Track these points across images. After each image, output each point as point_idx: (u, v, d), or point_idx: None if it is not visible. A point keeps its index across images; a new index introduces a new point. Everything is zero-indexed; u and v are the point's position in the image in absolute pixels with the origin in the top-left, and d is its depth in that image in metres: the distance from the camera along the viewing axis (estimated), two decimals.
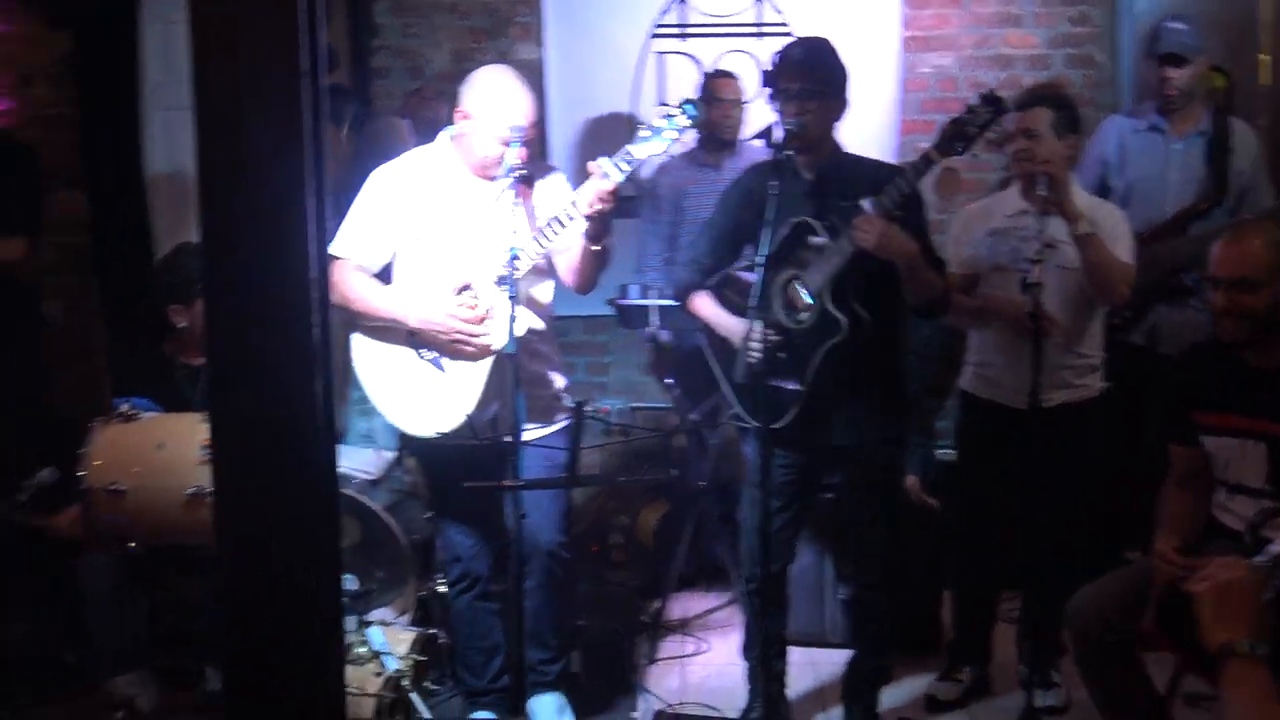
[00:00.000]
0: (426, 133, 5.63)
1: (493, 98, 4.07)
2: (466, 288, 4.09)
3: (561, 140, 6.56)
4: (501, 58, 6.48)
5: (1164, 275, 5.24)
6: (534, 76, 6.55)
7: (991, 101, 3.87)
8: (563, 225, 3.98)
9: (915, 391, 6.15)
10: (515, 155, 3.95)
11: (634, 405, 6.72)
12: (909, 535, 4.79)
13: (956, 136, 3.88)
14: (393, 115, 6.15)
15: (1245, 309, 3.69)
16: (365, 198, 4.23)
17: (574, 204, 3.96)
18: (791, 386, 4.08)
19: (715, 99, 5.81)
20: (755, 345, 4.01)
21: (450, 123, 4.17)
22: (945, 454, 5.92)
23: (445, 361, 4.14)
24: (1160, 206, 5.40)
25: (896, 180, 3.93)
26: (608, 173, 3.89)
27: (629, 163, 3.92)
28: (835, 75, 4.18)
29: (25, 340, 5.36)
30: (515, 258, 3.82)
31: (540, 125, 6.46)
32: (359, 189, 4.26)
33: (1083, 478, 4.67)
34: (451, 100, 4.17)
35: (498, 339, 4.02)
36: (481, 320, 4.05)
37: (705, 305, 4.41)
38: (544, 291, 4.31)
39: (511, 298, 3.80)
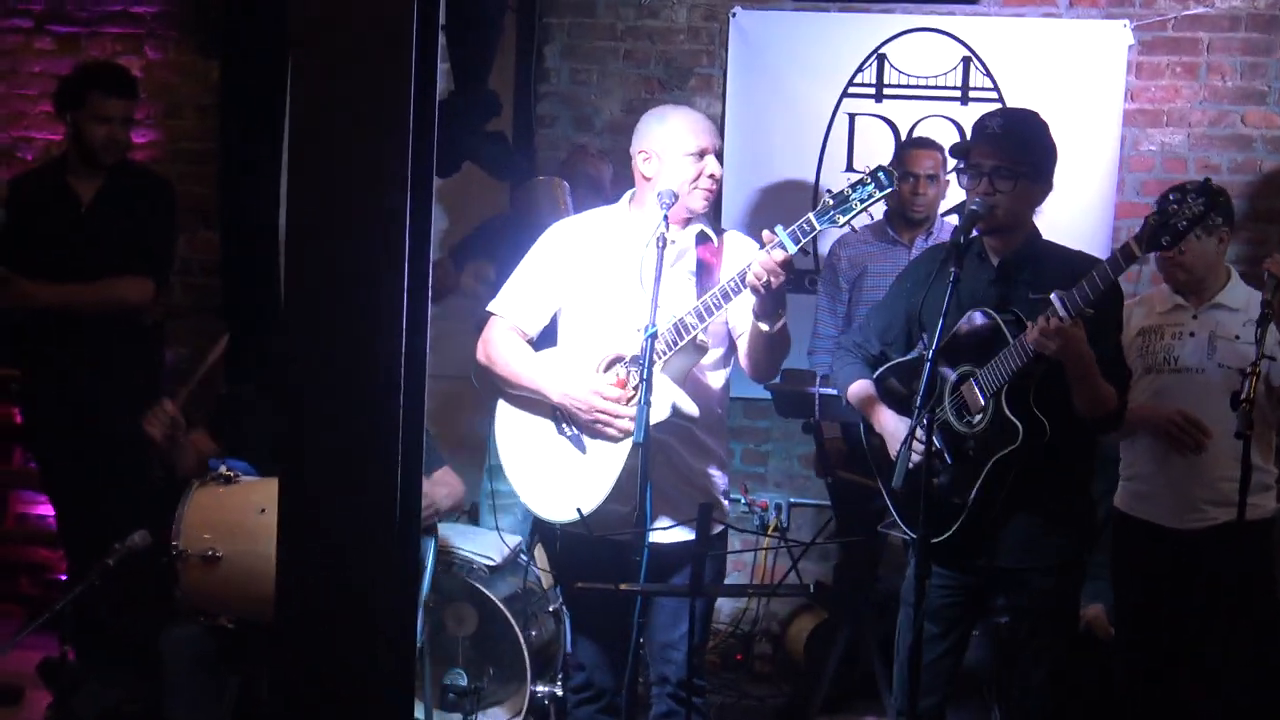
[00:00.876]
0: (586, 194, 5.64)
1: (681, 130, 4.00)
2: (618, 361, 3.98)
3: (736, 206, 6.41)
4: None
5: None
6: None
7: (1204, 192, 3.69)
8: (726, 299, 3.81)
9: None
10: (663, 193, 3.89)
11: (794, 501, 6.54)
12: (1081, 672, 4.59)
13: (1162, 229, 3.70)
14: (553, 174, 6.15)
15: None
16: (533, 255, 4.19)
17: (740, 277, 3.78)
18: (955, 500, 3.93)
19: (908, 172, 5.57)
20: (918, 447, 3.86)
21: (613, 185, 4.14)
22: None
23: (587, 441, 4.01)
24: None
25: (1091, 275, 3.76)
26: (782, 243, 3.69)
27: (806, 234, 3.71)
28: (1036, 153, 4.01)
29: (144, 385, 5.45)
30: (654, 335, 3.71)
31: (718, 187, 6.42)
32: (513, 246, 4.26)
33: (1243, 606, 4.44)
34: (617, 160, 4.13)
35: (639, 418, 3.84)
36: (629, 400, 3.92)
37: (869, 399, 4.25)
38: (715, 376, 4.13)
39: (645, 380, 3.67)
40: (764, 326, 3.86)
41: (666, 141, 3.98)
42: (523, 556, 5.23)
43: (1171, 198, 3.69)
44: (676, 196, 3.91)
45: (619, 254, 4.07)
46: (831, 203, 3.72)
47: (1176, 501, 4.22)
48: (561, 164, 6.21)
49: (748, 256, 3.92)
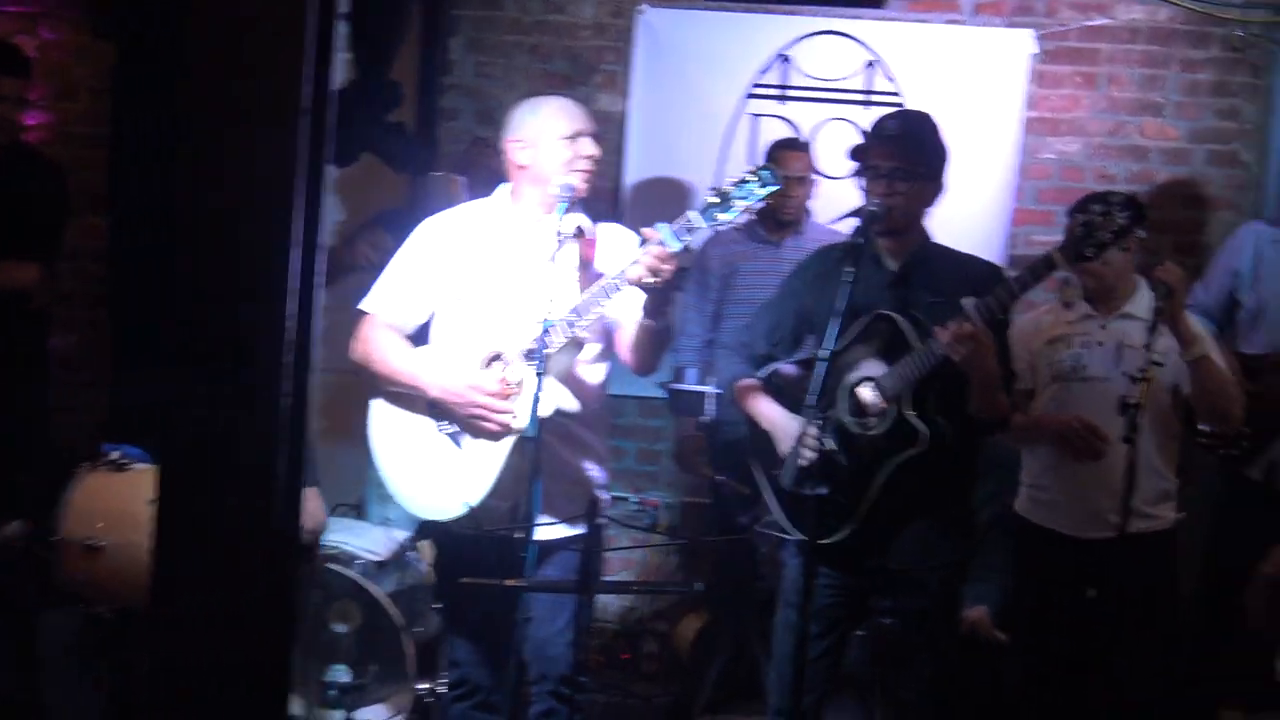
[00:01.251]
0: (486, 189, 5.62)
1: (555, 115, 4.03)
2: (497, 358, 3.97)
3: (637, 204, 6.42)
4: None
5: None
6: (615, 131, 6.48)
7: (1130, 206, 3.76)
8: (608, 296, 3.82)
9: (1000, 510, 6.01)
10: (564, 185, 3.90)
11: (686, 499, 6.55)
12: (970, 674, 4.63)
13: (1085, 241, 3.75)
14: (453, 167, 6.11)
15: None
16: (406, 251, 4.18)
17: (624, 273, 3.78)
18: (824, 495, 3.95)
19: (784, 175, 5.65)
20: (810, 449, 3.89)
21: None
22: None
23: (465, 438, 4.01)
24: None
25: (1008, 283, 3.81)
26: (665, 241, 3.69)
27: (689, 230, 3.71)
28: (932, 154, 4.06)
29: (30, 372, 5.37)
30: (548, 330, 3.72)
31: (615, 185, 6.43)
32: (407, 232, 4.23)
33: (1154, 619, 4.48)
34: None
35: (522, 418, 3.88)
36: (508, 395, 3.92)
37: (755, 397, 4.27)
38: (594, 371, 4.13)
39: (539, 374, 3.68)
40: (650, 322, 3.88)
41: (540, 127, 4.02)
42: (410, 553, 5.22)
43: (1095, 209, 3.73)
44: (574, 189, 3.91)
45: (497, 248, 4.07)
46: (715, 200, 3.72)
47: (1079, 510, 4.26)
48: (461, 156, 6.19)
49: (624, 250, 3.96)
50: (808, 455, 3.86)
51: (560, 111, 4.05)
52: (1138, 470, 4.08)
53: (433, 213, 4.31)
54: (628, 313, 3.95)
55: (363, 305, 4.17)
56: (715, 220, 3.72)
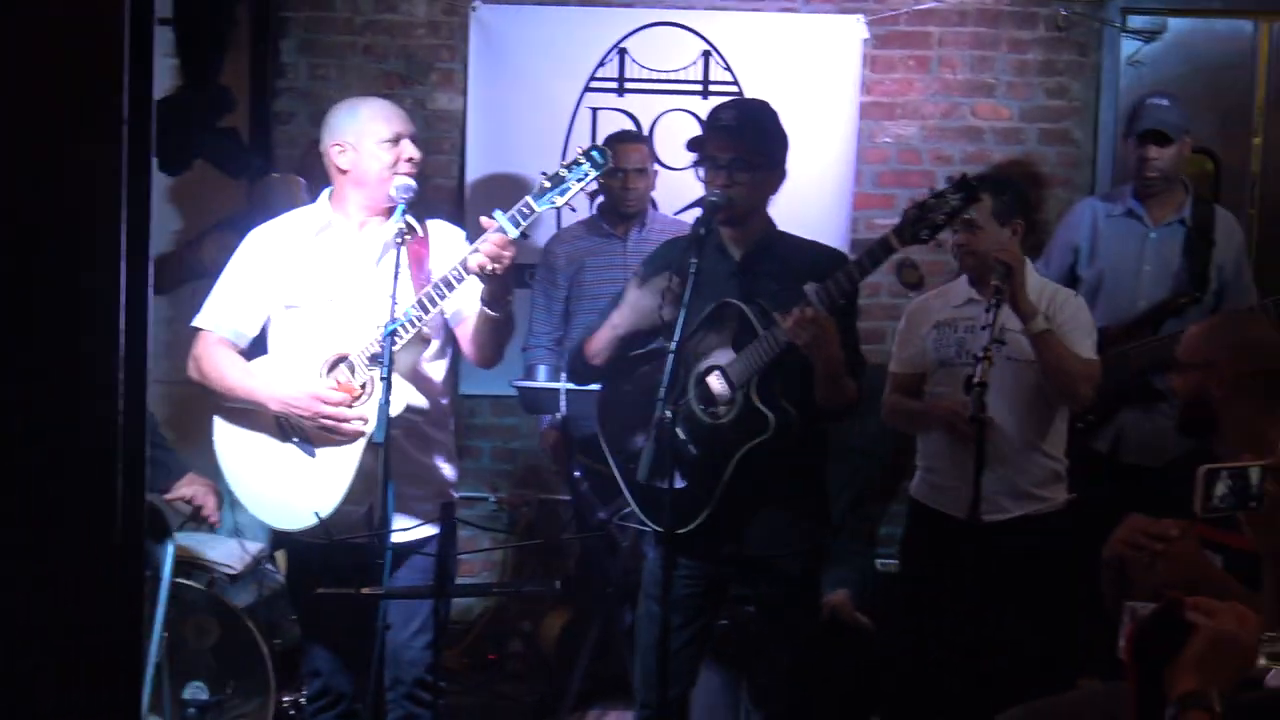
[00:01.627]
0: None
1: (374, 118, 3.98)
2: (340, 362, 3.92)
3: (479, 201, 6.38)
4: (419, 106, 6.37)
5: (1132, 377, 5.11)
6: (455, 129, 6.46)
7: (962, 187, 3.79)
8: (450, 289, 3.80)
9: (857, 495, 6.09)
10: (403, 187, 3.87)
11: (543, 497, 6.54)
12: (837, 658, 4.67)
13: (920, 223, 3.79)
14: (291, 171, 6.02)
15: (1175, 390, 3.75)
16: (235, 263, 4.13)
17: (463, 263, 3.78)
18: (679, 486, 3.97)
19: (616, 167, 5.55)
20: (664, 439, 3.89)
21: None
22: (887, 565, 5.83)
23: (315, 447, 3.96)
24: (1132, 300, 5.31)
25: (848, 268, 3.84)
26: (502, 227, 3.72)
27: (526, 216, 3.74)
28: (771, 144, 4.08)
29: None
30: (392, 331, 3.69)
31: (458, 183, 6.39)
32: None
33: (1043, 601, 4.56)
34: None
35: (371, 421, 3.82)
36: (354, 400, 3.89)
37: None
38: (437, 367, 4.12)
39: (384, 378, 3.66)
40: (492, 313, 3.88)
41: (360, 130, 3.98)
42: (266, 565, 5.15)
43: (930, 191, 3.80)
44: (413, 190, 3.89)
45: (325, 253, 4.04)
46: (548, 184, 3.77)
47: (970, 493, 4.26)
48: (300, 159, 6.10)
49: (454, 245, 4.00)
50: (660, 446, 3.86)
51: (379, 114, 4.01)
52: (996, 450, 4.16)
53: (276, 214, 4.25)
54: (468, 306, 3.95)
55: (195, 322, 4.12)
56: (550, 202, 3.77)
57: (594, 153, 3.77)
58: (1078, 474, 4.74)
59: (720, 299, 3.99)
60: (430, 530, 3.99)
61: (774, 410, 3.91)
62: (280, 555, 5.15)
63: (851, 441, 6.02)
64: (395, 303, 3.72)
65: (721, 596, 4.32)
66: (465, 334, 4.05)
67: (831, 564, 4.87)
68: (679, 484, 3.90)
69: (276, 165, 6.33)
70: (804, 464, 4.14)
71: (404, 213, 3.82)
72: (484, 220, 3.76)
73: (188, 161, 5.63)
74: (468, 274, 3.77)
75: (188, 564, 4.82)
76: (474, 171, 6.44)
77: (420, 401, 3.99)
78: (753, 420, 3.93)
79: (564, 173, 3.76)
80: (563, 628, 5.89)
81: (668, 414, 3.78)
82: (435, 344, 4.06)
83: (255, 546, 5.12)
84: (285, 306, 4.04)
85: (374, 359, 3.82)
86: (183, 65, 5.59)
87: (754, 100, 4.28)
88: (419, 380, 4.02)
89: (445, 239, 4.12)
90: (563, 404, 5.16)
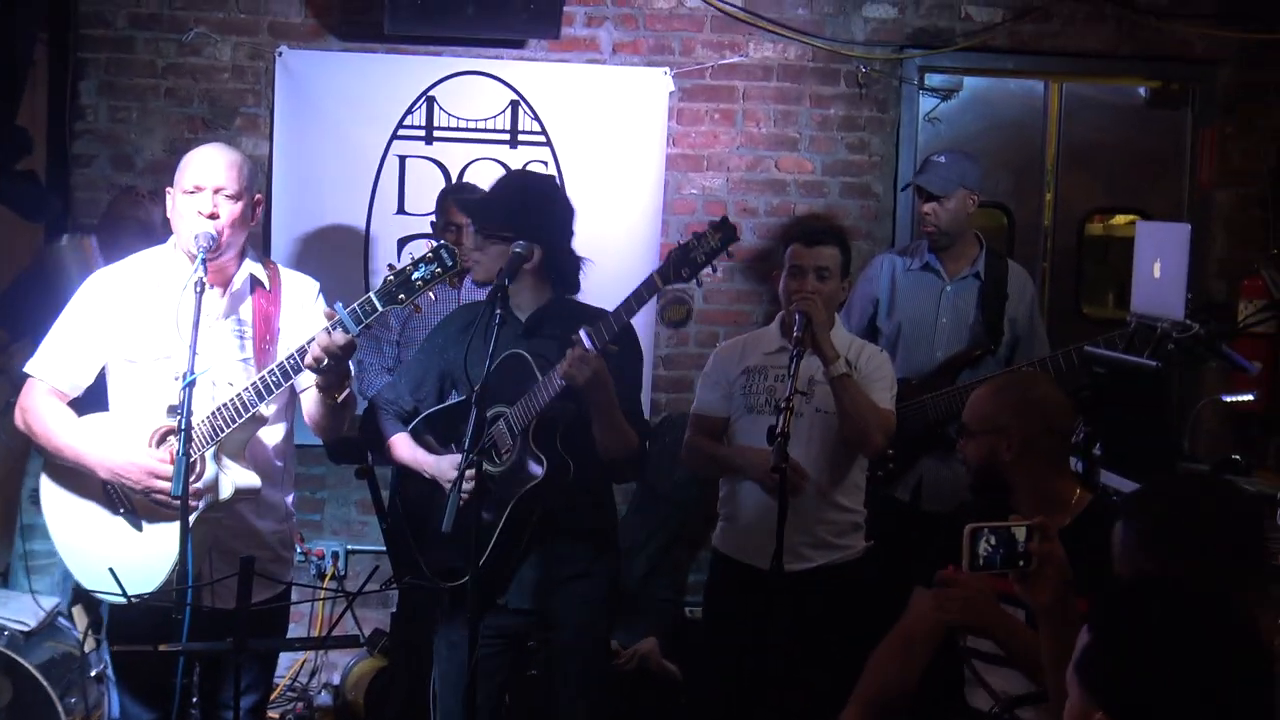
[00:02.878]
0: (135, 239, 5.46)
1: (184, 166, 3.94)
2: (169, 434, 3.85)
3: (285, 249, 6.36)
4: None
5: (930, 427, 5.31)
6: (260, 176, 6.42)
7: (721, 228, 3.96)
8: (286, 377, 3.79)
9: (665, 542, 6.17)
10: (200, 234, 3.79)
11: (351, 548, 6.56)
12: (645, 707, 4.73)
13: (682, 263, 3.96)
14: (92, 216, 5.88)
15: (963, 456, 3.78)
16: (71, 309, 4.07)
17: (299, 354, 3.75)
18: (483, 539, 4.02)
19: (450, 221, 5.65)
20: (468, 488, 3.95)
21: (164, 228, 4.04)
22: (696, 612, 5.91)
23: (144, 520, 3.92)
24: (930, 352, 5.51)
25: (617, 309, 3.98)
26: (343, 324, 3.69)
27: (368, 314, 3.72)
28: (519, 221, 4.19)
29: None
30: (191, 384, 3.61)
31: (262, 229, 6.32)
32: (43, 313, 4.09)
33: (844, 650, 4.64)
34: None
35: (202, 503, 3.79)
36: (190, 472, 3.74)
37: (406, 448, 4.37)
38: (273, 432, 4.10)
39: (182, 429, 3.57)
40: (329, 400, 3.89)
41: (176, 178, 3.97)
42: (61, 619, 5.04)
43: (694, 234, 3.94)
44: (216, 239, 3.84)
45: (164, 301, 3.96)
46: (394, 281, 3.73)
47: (769, 544, 4.26)
48: (108, 207, 6.01)
49: (307, 300, 4.04)
50: (466, 495, 3.95)
51: (189, 162, 3.96)
52: (798, 501, 4.24)
53: (67, 281, 4.18)
54: (308, 376, 3.91)
55: (27, 368, 4.05)
56: (395, 302, 3.73)
57: (443, 252, 3.75)
58: (879, 521, 4.86)
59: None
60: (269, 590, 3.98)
61: (547, 454, 4.03)
62: (78, 610, 5.06)
63: (660, 489, 6.13)
64: (195, 353, 3.65)
65: (519, 652, 4.38)
66: (308, 400, 4.04)
67: (639, 612, 4.93)
68: (480, 529, 3.96)
69: (75, 208, 6.24)
70: (584, 514, 4.27)
71: (202, 263, 3.76)
72: (325, 311, 3.79)
73: None
74: (304, 367, 3.76)
75: None
76: (280, 218, 6.42)
77: (251, 482, 3.96)
78: (529, 466, 4.07)
79: (410, 270, 3.73)
80: (371, 679, 5.86)
81: (469, 464, 3.84)
82: (273, 408, 4.01)
83: (50, 601, 5.03)
84: (125, 360, 4.00)
85: (174, 412, 3.73)
86: None
87: (522, 177, 4.47)
88: (255, 452, 4.00)
89: (297, 293, 4.11)
90: (369, 454, 5.14)
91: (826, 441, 4.62)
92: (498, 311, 3.87)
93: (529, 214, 4.19)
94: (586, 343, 3.90)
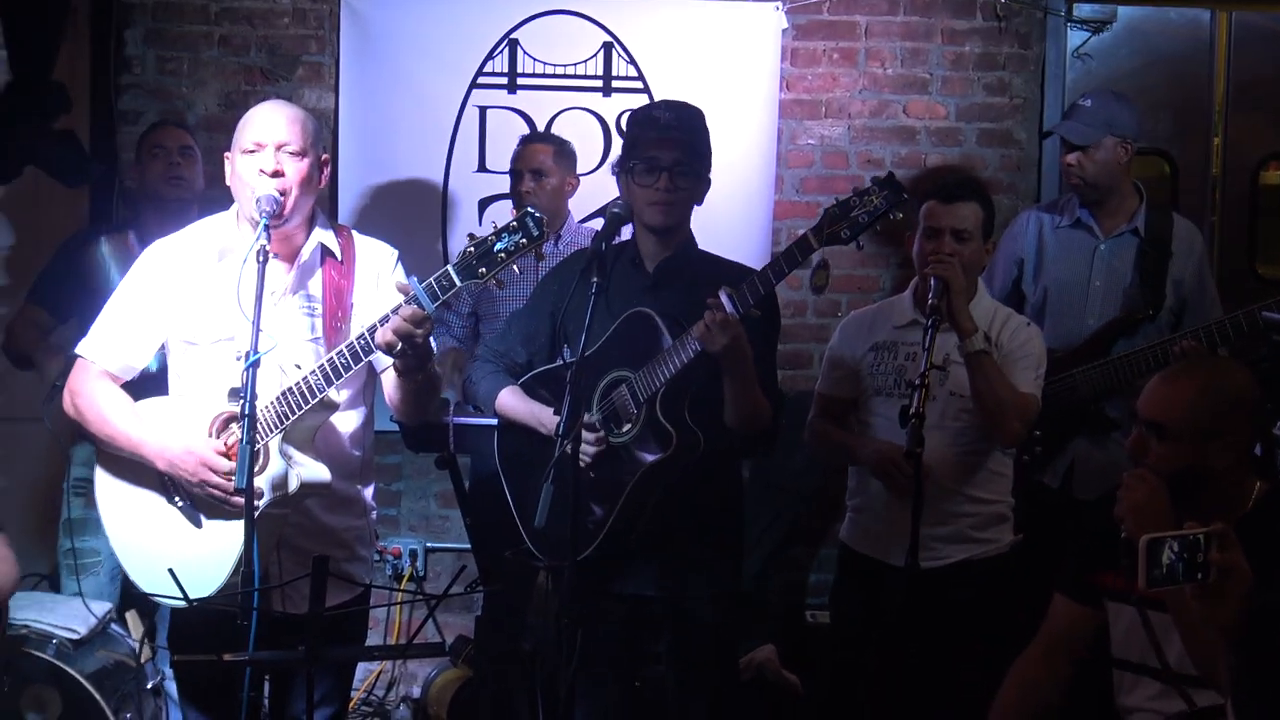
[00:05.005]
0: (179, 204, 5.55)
1: (245, 124, 3.94)
2: (231, 421, 3.87)
3: (353, 210, 6.43)
4: None
5: (1083, 404, 5.25)
6: (325, 132, 6.44)
7: (886, 185, 3.90)
8: (356, 359, 3.77)
9: (782, 538, 6.15)
10: (262, 199, 3.78)
11: (430, 545, 6.60)
12: None
13: (841, 221, 3.91)
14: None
15: (1154, 460, 3.51)
16: (126, 285, 4.09)
17: (371, 333, 3.73)
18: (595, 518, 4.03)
19: (514, 168, 5.76)
20: (589, 449, 3.99)
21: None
22: (818, 616, 5.89)
23: (203, 515, 3.93)
24: (1081, 319, 5.44)
25: (762, 270, 3.96)
26: (418, 300, 3.66)
27: (445, 289, 3.67)
28: (707, 147, 4.28)
29: None
30: (255, 364, 3.59)
31: (330, 191, 6.36)
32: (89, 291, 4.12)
33: (986, 656, 4.61)
34: (216, 162, 4.04)
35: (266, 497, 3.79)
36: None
37: (514, 401, 4.35)
38: (347, 419, 4.10)
39: (246, 415, 3.54)
40: (409, 384, 3.89)
41: (235, 139, 3.97)
42: (113, 626, 5.11)
43: (853, 193, 3.92)
44: (279, 203, 3.83)
45: (226, 275, 3.94)
46: (473, 253, 3.67)
47: (905, 539, 4.22)
48: (138, 185, 5.98)
49: (384, 271, 4.04)
50: (586, 456, 4.00)
51: (250, 119, 3.97)
52: (935, 490, 4.21)
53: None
54: (386, 358, 3.88)
55: (78, 349, 4.07)
56: (475, 277, 3.67)
57: (528, 220, 3.68)
58: (1026, 512, 4.81)
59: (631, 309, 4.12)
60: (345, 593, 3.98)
61: (677, 427, 4.01)
62: (131, 616, 5.13)
63: (774, 478, 6.11)
64: (259, 331, 3.64)
65: (636, 652, 4.37)
66: (388, 380, 4.03)
67: (754, 616, 4.92)
68: (585, 509, 4.00)
69: (122, 171, 6.29)
70: (715, 498, 4.23)
71: (265, 229, 3.75)
72: (398, 285, 3.74)
73: (17, 168, 5.59)
74: (376, 348, 3.74)
75: (22, 629, 4.78)
76: (347, 178, 6.46)
77: (319, 475, 3.94)
78: (655, 437, 4.05)
79: (493, 241, 3.67)
80: (455, 691, 5.90)
81: (567, 448, 3.82)
82: (346, 394, 4.02)
83: (102, 607, 5.10)
84: (184, 341, 4.02)
85: (278, 414, 3.79)
86: (10, 58, 5.55)
87: (684, 104, 4.34)
88: (327, 441, 4.01)
89: (373, 263, 4.10)
90: (451, 440, 5.16)
91: (962, 428, 4.57)
92: (595, 280, 3.87)
93: (708, 143, 4.27)
94: (728, 305, 3.88)
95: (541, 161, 5.81)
